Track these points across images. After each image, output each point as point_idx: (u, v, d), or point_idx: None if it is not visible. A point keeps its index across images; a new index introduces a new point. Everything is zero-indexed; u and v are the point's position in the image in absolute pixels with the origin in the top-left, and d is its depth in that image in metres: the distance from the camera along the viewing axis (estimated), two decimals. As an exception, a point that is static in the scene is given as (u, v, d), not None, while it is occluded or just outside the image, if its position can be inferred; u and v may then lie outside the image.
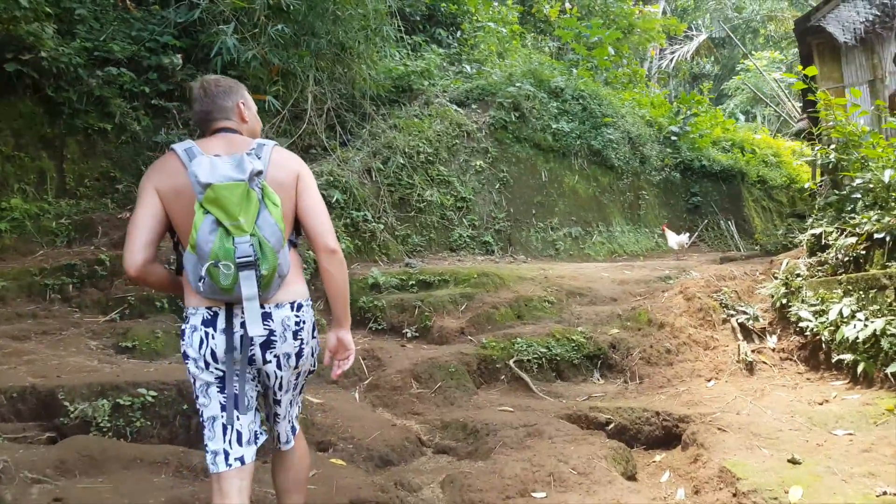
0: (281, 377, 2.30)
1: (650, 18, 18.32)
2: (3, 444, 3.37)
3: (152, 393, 3.77)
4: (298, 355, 2.29)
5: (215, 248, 2.01)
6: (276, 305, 2.21)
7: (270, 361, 2.25)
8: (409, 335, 6.15)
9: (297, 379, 2.38)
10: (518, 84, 10.92)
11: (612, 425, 4.28)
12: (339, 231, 8.02)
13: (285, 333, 2.23)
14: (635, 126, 12.86)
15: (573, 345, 5.44)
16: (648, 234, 12.17)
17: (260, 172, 2.13)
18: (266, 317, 2.18)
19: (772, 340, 5.14)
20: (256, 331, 2.11)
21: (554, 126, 11.09)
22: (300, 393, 2.46)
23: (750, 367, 4.88)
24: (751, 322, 5.33)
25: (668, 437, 4.25)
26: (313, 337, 2.36)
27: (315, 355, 2.40)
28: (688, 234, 10.66)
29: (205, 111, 2.32)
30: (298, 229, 2.37)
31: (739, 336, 5.22)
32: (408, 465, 3.92)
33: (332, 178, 8.43)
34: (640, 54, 20.20)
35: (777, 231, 12.57)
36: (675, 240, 10.37)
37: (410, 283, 6.80)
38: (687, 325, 5.43)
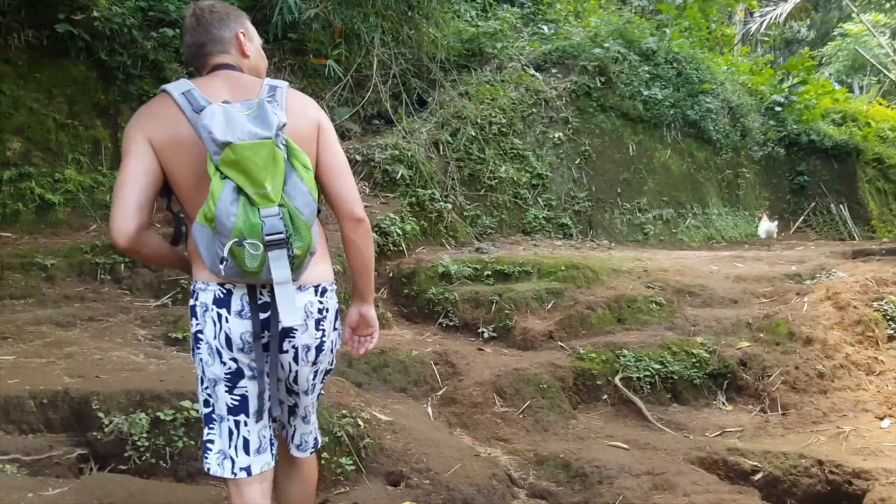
0: (297, 371, 1.99)
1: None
2: (16, 480, 2.72)
3: (197, 407, 3.01)
4: (319, 349, 1.98)
5: (239, 224, 1.68)
6: (299, 288, 1.89)
7: (287, 351, 1.95)
8: (485, 335, 5.20)
9: (314, 378, 2.04)
10: (605, 45, 9.67)
11: (759, 475, 3.24)
12: (404, 211, 7.12)
13: (307, 321, 1.93)
14: (736, 94, 11.40)
15: (693, 360, 4.37)
16: (748, 218, 10.79)
17: (284, 125, 1.73)
18: None
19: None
20: (293, 319, 1.80)
21: (645, 93, 9.81)
22: (318, 396, 2.14)
23: (937, 401, 3.71)
24: (929, 339, 4.13)
25: (835, 495, 3.19)
26: (335, 329, 2.03)
27: (335, 351, 2.08)
28: (776, 222, 9.31)
29: (197, 43, 1.96)
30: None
31: (915, 357, 4.04)
32: (496, 517, 3.01)
33: (396, 153, 7.52)
34: (725, 16, 18.36)
35: (898, 216, 10.97)
36: (764, 227, 9.04)
37: (486, 273, 5.83)
38: (842, 341, 4.27)
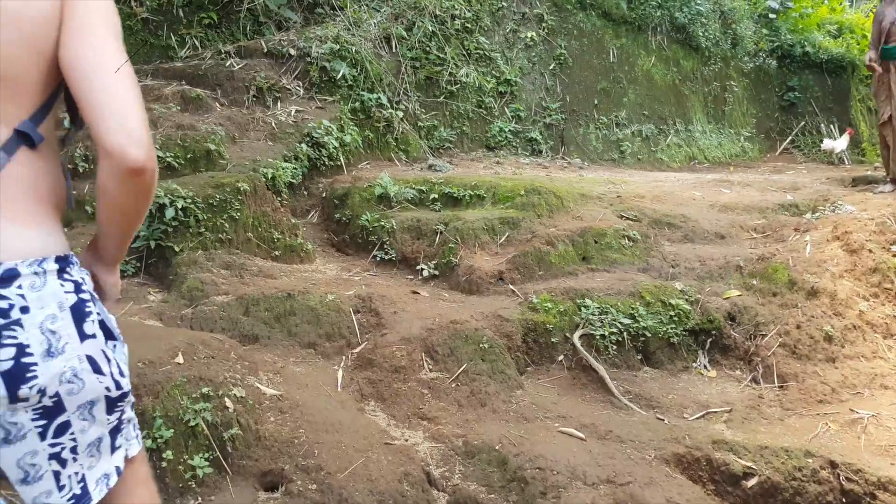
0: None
1: None
2: None
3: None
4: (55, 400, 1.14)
5: None
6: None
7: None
8: (425, 273, 4.33)
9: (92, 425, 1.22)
10: (588, -72, 8.35)
11: (753, 481, 2.49)
12: (345, 118, 6.04)
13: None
14: (729, -3, 10.20)
15: (670, 313, 3.57)
16: (733, 137, 9.87)
17: None
18: None
19: None
20: None
21: (630, -10, 8.59)
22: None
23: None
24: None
25: (847, 506, 2.46)
26: (85, 337, 1.19)
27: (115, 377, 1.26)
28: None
29: None
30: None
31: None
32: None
33: (337, 47, 6.33)
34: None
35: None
36: (840, 145, 8.72)
37: (432, 196, 4.89)
38: (854, 294, 3.48)
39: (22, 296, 1.08)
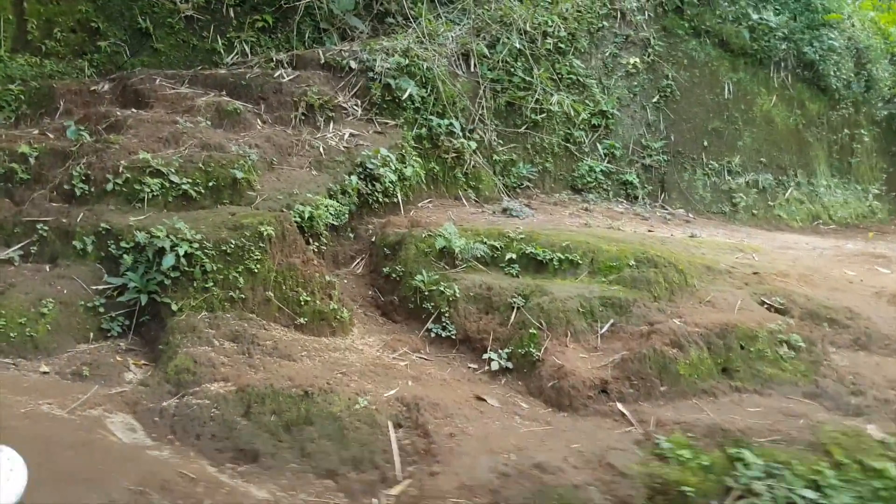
0: None
1: None
2: None
3: None
4: None
5: None
6: None
7: None
8: (494, 365, 3.19)
9: None
10: (710, -55, 7.16)
11: None
12: (407, 146, 5.02)
13: None
14: (864, 33, 8.75)
15: (877, 485, 2.30)
16: (860, 194, 8.37)
17: None
18: None
19: None
20: None
21: (754, 17, 7.34)
22: None
23: None
24: None
25: None
26: None
27: None
28: None
29: None
30: None
31: None
32: None
33: (406, 62, 5.34)
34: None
35: None
36: None
37: (508, 255, 3.76)
38: None
39: None
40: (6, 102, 4.94)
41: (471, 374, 3.18)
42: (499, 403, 2.83)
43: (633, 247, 3.74)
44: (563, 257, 3.64)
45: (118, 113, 4.46)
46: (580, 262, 3.61)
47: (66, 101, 4.96)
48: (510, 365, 3.19)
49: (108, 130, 4.24)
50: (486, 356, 3.24)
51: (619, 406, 2.76)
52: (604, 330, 3.16)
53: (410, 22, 5.96)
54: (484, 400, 2.84)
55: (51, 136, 4.28)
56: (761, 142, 7.37)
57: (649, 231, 5.07)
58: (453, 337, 3.45)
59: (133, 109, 4.62)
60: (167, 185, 3.71)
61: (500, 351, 3.24)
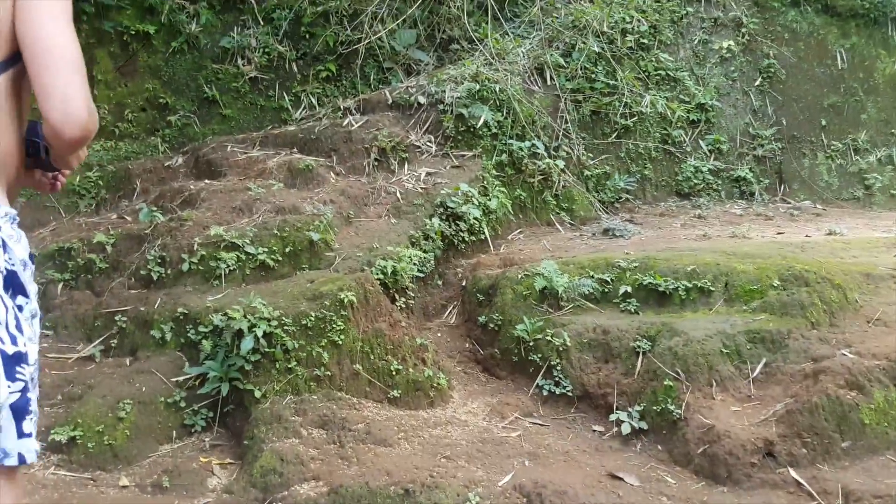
0: None
1: None
2: None
3: None
4: None
5: None
6: None
7: None
8: (626, 427, 2.68)
9: None
10: None
11: None
12: (488, 177, 4.63)
13: None
14: None
15: None
16: None
17: None
18: None
19: None
20: None
21: (861, -29, 6.45)
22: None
23: None
24: None
25: None
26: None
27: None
28: None
29: None
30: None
31: None
32: None
33: (477, 87, 4.98)
34: None
35: None
36: None
37: (622, 289, 3.25)
38: None
39: None
40: (86, 190, 4.97)
41: (597, 441, 2.69)
42: (639, 482, 2.33)
43: (774, 261, 3.13)
44: (689, 285, 3.09)
45: (192, 186, 4.34)
46: (712, 288, 3.05)
47: (143, 180, 4.92)
48: (644, 426, 2.67)
49: (183, 206, 4.12)
50: (613, 417, 2.74)
51: (793, 473, 2.19)
52: (756, 373, 2.59)
53: (476, 45, 5.60)
54: (620, 479, 2.34)
55: (128, 219, 4.22)
56: (890, 110, 6.43)
57: (779, 234, 4.39)
58: (569, 394, 2.97)
59: (206, 181, 4.50)
60: (243, 257, 3.50)
61: (629, 409, 2.73)
